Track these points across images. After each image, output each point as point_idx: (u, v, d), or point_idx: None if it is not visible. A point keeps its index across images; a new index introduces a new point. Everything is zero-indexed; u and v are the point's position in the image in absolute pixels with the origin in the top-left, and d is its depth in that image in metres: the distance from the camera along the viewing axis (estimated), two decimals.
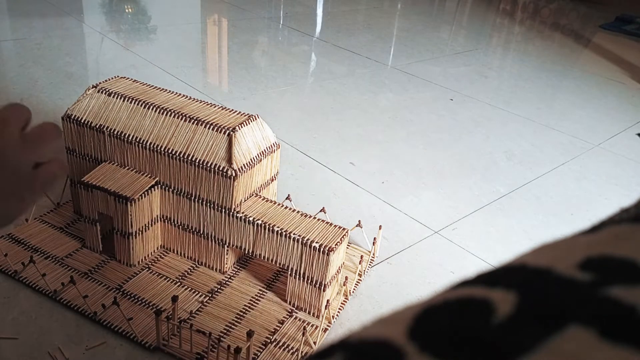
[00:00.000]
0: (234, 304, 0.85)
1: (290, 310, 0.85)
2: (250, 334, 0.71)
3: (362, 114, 1.62)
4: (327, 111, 1.61)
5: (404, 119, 1.61)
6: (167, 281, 0.88)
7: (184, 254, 0.93)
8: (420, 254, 1.01)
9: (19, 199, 0.40)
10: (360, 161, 1.33)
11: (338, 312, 0.86)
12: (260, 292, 0.88)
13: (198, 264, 0.92)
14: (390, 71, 2.03)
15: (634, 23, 3.16)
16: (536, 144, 1.55)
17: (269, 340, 0.79)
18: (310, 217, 0.86)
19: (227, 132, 0.82)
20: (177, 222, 0.90)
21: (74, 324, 0.78)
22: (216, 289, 0.87)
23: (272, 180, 0.94)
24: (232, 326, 0.81)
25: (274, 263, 0.85)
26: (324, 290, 0.82)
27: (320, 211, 1.02)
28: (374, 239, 0.97)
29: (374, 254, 0.98)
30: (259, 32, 2.39)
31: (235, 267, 0.93)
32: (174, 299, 0.75)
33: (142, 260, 0.91)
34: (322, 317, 0.81)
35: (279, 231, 0.82)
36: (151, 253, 0.93)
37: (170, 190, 0.87)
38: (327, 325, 0.83)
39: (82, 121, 0.89)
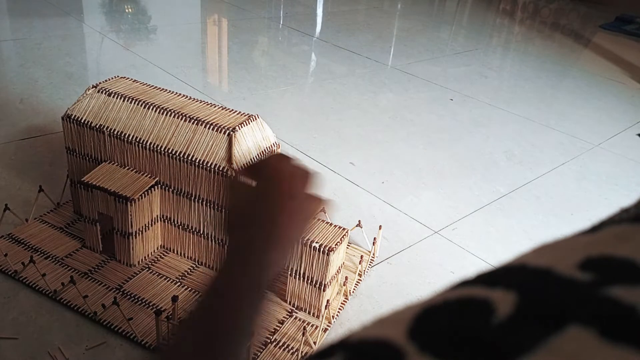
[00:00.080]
0: None
1: (290, 310, 0.85)
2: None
3: (362, 114, 1.62)
4: (327, 111, 1.61)
5: (404, 119, 1.61)
6: (167, 281, 0.88)
7: (184, 254, 0.93)
8: (420, 254, 1.01)
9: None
10: (360, 161, 1.33)
11: (338, 312, 0.86)
12: None
13: (198, 264, 0.92)
14: (390, 71, 2.03)
15: (634, 23, 3.16)
16: (536, 144, 1.55)
17: (269, 340, 0.79)
18: None
19: (227, 132, 0.82)
20: (177, 222, 0.90)
21: (74, 324, 0.78)
22: None
23: None
24: None
25: None
26: (324, 290, 0.82)
27: (320, 211, 1.02)
28: (374, 239, 0.97)
29: (374, 254, 0.98)
30: (259, 32, 2.39)
31: None
32: (174, 299, 0.75)
33: (142, 260, 0.91)
34: (322, 317, 0.81)
35: None
36: (151, 253, 0.93)
37: (170, 190, 0.87)
38: (327, 325, 0.83)
39: (82, 121, 0.89)
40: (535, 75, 2.18)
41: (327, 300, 0.83)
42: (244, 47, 2.13)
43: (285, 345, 0.79)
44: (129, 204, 0.82)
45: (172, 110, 0.86)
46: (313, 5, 3.01)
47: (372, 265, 0.97)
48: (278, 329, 0.82)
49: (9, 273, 0.85)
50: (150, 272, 0.89)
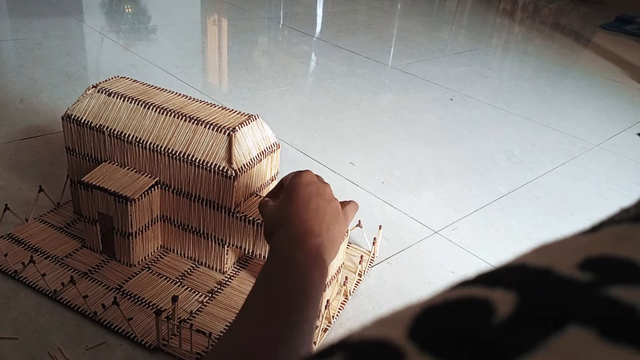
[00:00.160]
0: (234, 304, 0.85)
1: None
2: None
3: (362, 114, 1.62)
4: (327, 111, 1.61)
5: (404, 119, 1.61)
6: (167, 281, 0.88)
7: (184, 254, 0.93)
8: (420, 254, 1.02)
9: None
10: (360, 161, 1.33)
11: (338, 312, 0.86)
12: None
13: (198, 264, 0.92)
14: (390, 71, 2.03)
15: (634, 23, 3.16)
16: (536, 144, 1.55)
17: None
18: None
19: (227, 132, 0.82)
20: (177, 222, 0.90)
21: (74, 324, 0.78)
22: (216, 289, 0.87)
23: (272, 180, 0.94)
24: None
25: None
26: (323, 290, 0.82)
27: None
28: (374, 239, 0.97)
29: (374, 254, 0.98)
30: (259, 32, 2.39)
31: (235, 267, 0.93)
32: (174, 299, 0.75)
33: (142, 260, 0.91)
34: (322, 317, 0.81)
35: None
36: (151, 253, 0.93)
37: (170, 190, 0.87)
38: (327, 325, 0.83)
39: (82, 121, 0.89)
40: (535, 75, 2.18)
41: (327, 300, 0.83)
42: (244, 47, 2.13)
43: None
44: (129, 204, 0.82)
45: (172, 110, 0.86)
46: (313, 5, 3.01)
47: (372, 265, 0.97)
48: None
49: (9, 273, 0.85)
50: (150, 272, 0.89)
